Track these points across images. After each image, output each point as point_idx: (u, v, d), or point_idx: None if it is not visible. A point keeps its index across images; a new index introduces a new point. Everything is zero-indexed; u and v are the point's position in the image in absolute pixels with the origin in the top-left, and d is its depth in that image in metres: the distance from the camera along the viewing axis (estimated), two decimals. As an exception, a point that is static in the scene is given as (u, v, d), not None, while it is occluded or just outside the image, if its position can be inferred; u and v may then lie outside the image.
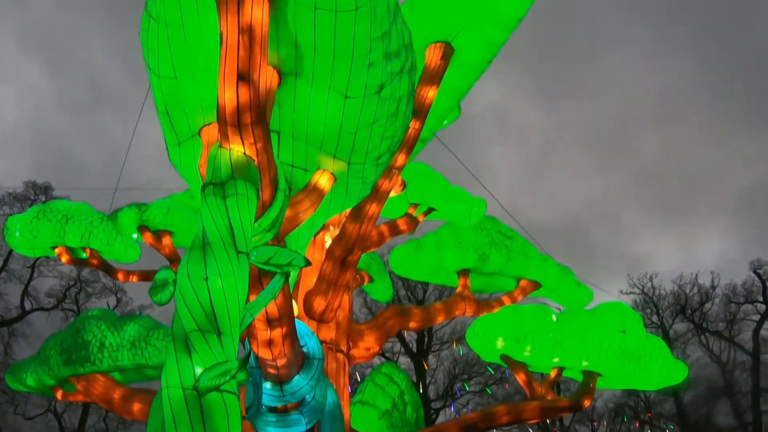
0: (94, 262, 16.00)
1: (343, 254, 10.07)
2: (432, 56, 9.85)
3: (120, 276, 16.48)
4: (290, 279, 7.76)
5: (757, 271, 48.73)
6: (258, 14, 6.41)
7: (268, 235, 7.00)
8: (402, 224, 12.81)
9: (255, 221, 6.59)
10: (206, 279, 5.55)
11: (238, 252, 5.88)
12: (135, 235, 15.78)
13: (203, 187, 6.33)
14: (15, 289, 45.64)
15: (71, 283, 47.81)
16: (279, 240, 7.69)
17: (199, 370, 4.88)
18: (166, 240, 15.70)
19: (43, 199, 45.20)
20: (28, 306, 46.58)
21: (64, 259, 15.84)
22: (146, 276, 16.21)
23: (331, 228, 11.21)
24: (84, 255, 16.00)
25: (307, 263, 6.40)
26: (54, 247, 15.67)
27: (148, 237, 15.63)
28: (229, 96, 6.30)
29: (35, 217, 15.39)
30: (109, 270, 16.45)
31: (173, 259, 15.68)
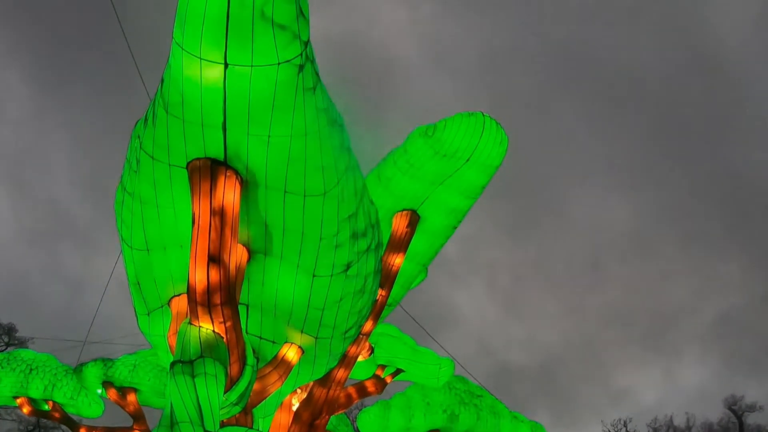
0: (56, 415, 15.67)
1: (311, 418, 10.03)
2: (398, 224, 10.11)
3: (82, 432, 16.11)
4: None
5: (732, 407, 48.36)
6: (230, 197, 6.66)
7: (235, 408, 7.05)
8: (370, 386, 12.75)
9: (223, 394, 6.65)
10: (173, 459, 5.60)
11: (205, 432, 5.95)
12: (99, 391, 15.52)
13: (172, 365, 6.39)
14: (-29, 433, 44.04)
15: (30, 427, 46.17)
16: (247, 412, 7.71)
17: None
18: (131, 397, 15.42)
19: (6, 339, 44.28)
20: (-17, 450, 44.79)
21: (25, 410, 15.49)
22: (110, 433, 15.88)
23: (299, 391, 11.13)
24: (46, 407, 15.67)
25: (273, 444, 6.44)
26: (16, 397, 15.37)
27: (113, 393, 15.35)
28: (200, 277, 6.47)
29: (-2, 365, 15.19)
30: (71, 424, 16.02)
31: (138, 417, 15.39)
